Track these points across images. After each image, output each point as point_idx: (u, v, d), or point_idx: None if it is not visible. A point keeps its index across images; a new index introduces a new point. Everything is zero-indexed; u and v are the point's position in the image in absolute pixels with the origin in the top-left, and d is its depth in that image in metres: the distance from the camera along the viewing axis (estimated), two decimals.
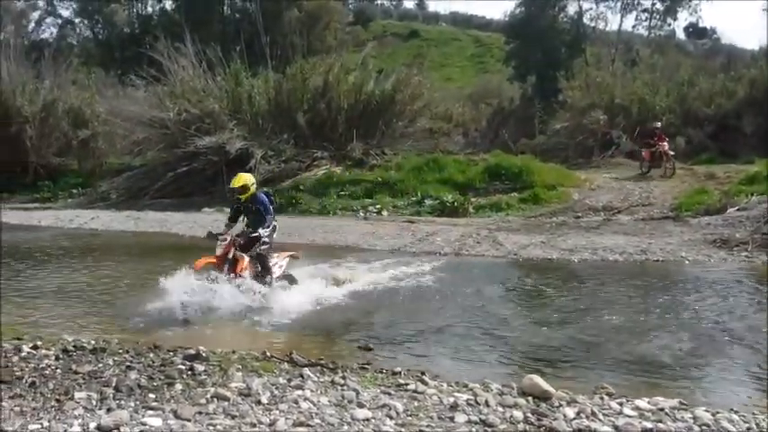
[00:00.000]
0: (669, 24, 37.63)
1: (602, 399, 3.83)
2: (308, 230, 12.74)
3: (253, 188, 6.70)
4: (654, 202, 14.28)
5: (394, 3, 62.97)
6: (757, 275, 8.30)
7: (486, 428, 3.30)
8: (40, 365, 4.00)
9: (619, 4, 35.23)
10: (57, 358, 4.19)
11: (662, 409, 3.60)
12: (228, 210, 16.09)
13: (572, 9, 35.26)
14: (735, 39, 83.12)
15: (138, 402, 3.42)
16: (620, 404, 3.69)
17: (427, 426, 3.29)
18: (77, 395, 3.48)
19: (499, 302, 7.20)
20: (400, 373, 4.25)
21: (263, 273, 6.66)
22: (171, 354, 4.39)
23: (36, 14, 42.21)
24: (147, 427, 3.12)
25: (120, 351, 4.44)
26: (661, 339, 5.60)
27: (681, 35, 44.05)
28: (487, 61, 46.38)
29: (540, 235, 11.47)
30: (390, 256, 10.07)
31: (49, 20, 42.81)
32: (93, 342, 4.68)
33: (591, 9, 36.15)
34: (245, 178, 6.70)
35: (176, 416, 3.23)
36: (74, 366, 3.98)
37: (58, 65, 24.71)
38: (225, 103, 19.32)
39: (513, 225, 12.90)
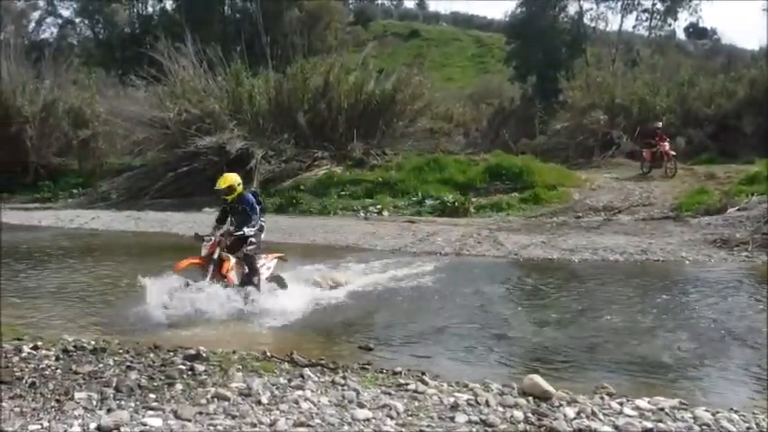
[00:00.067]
0: (669, 25, 37.63)
1: (602, 399, 3.83)
2: (308, 230, 12.75)
3: (239, 188, 6.60)
4: (654, 202, 14.28)
5: (394, 2, 63.02)
6: (757, 275, 8.30)
7: (487, 428, 3.30)
8: (41, 366, 4.00)
9: (619, 4, 35.23)
10: (57, 358, 4.19)
11: (662, 409, 3.60)
12: None
13: (572, 9, 35.27)
14: (735, 39, 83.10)
15: (138, 402, 3.42)
16: (621, 404, 3.69)
17: (428, 426, 3.28)
18: (77, 395, 3.48)
19: (500, 302, 7.20)
20: (401, 373, 4.24)
21: (250, 274, 6.54)
22: (171, 354, 4.39)
23: (36, 14, 42.28)
24: (148, 427, 3.12)
25: (121, 351, 4.44)
26: (661, 339, 5.60)
27: (681, 35, 44.06)
28: (488, 61, 46.36)
29: (541, 235, 11.47)
30: (391, 256, 10.08)
31: (49, 20, 42.87)
32: (93, 342, 4.68)
33: (591, 9, 36.13)
34: (231, 179, 6.59)
35: (177, 416, 3.23)
36: (74, 367, 3.98)
37: (58, 65, 24.72)
38: (225, 103, 19.33)
39: (514, 225, 12.90)
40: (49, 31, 43.20)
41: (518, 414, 3.47)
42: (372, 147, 19.17)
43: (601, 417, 3.48)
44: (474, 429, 3.29)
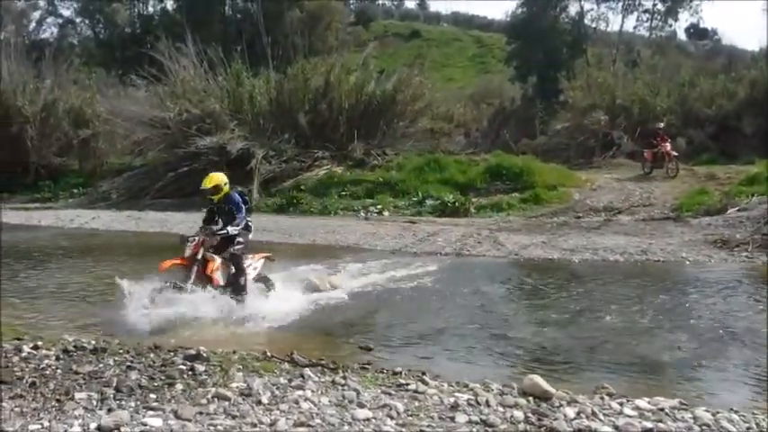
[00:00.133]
0: (670, 25, 37.65)
1: (602, 399, 3.83)
2: (308, 230, 12.75)
3: (226, 188, 6.45)
4: (654, 202, 14.28)
5: (395, 3, 63.06)
6: (758, 276, 8.30)
7: (487, 428, 3.30)
8: (41, 366, 4.00)
9: (620, 4, 35.25)
10: (57, 358, 4.19)
11: (662, 409, 3.60)
12: None
13: (573, 10, 35.29)
14: (735, 40, 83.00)
15: (138, 402, 3.42)
16: (621, 404, 3.69)
17: (428, 426, 3.28)
18: (78, 395, 3.48)
19: (500, 302, 7.20)
20: (401, 373, 4.24)
21: (236, 274, 6.39)
22: (171, 354, 4.39)
23: (37, 14, 42.34)
24: (148, 427, 3.12)
25: (121, 351, 4.44)
26: (661, 339, 5.60)
27: (682, 36, 44.04)
28: (489, 61, 46.37)
29: (541, 235, 11.47)
30: (390, 256, 10.08)
31: (49, 19, 42.93)
32: (93, 342, 4.68)
33: (592, 10, 36.13)
34: (217, 178, 6.43)
35: (177, 416, 3.23)
36: (74, 366, 3.98)
37: (58, 64, 24.73)
38: (226, 104, 19.34)
39: (514, 225, 12.91)
40: (50, 31, 43.33)
41: (518, 414, 3.47)
42: (373, 147, 19.18)
43: (601, 417, 3.48)
44: (474, 429, 3.29)
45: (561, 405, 3.63)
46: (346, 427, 3.24)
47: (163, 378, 3.82)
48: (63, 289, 7.72)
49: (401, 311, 6.70)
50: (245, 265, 6.46)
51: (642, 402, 3.70)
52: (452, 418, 3.39)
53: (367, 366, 4.42)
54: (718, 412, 3.60)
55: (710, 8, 65.33)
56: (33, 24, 42.15)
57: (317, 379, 3.98)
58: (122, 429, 3.08)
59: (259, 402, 3.49)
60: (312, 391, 3.72)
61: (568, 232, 11.72)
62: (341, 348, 5.38)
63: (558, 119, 24.43)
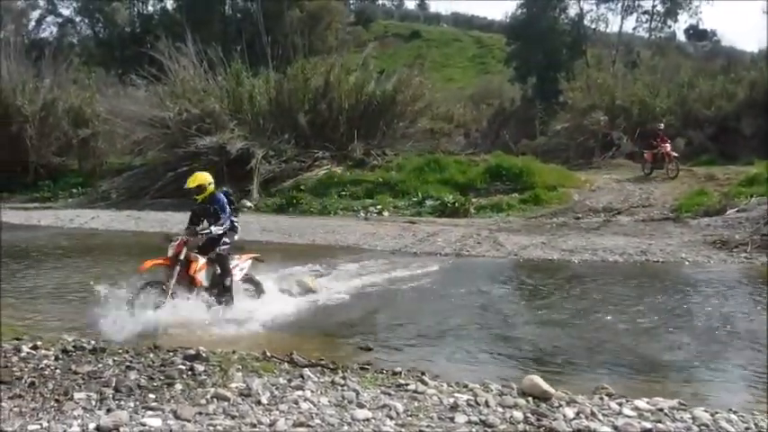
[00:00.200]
0: (669, 26, 37.68)
1: (601, 399, 3.83)
2: (308, 231, 12.75)
3: (210, 188, 6.31)
4: (654, 203, 14.29)
5: (395, 3, 63.09)
6: (757, 276, 8.30)
7: (486, 429, 3.30)
8: (40, 366, 4.00)
9: (619, 5, 35.26)
10: (56, 358, 4.18)
11: (661, 410, 3.60)
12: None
13: (573, 11, 35.29)
14: (735, 41, 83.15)
15: (137, 403, 3.42)
16: (620, 404, 3.69)
17: (427, 426, 3.28)
18: (77, 395, 3.47)
19: (499, 303, 7.20)
20: (400, 373, 4.24)
21: (222, 275, 6.24)
22: (171, 354, 4.38)
23: (36, 13, 42.31)
24: (147, 427, 3.12)
25: (120, 351, 4.44)
26: (660, 340, 5.61)
27: (681, 37, 44.05)
28: (488, 62, 46.37)
29: (541, 236, 11.48)
30: (391, 256, 10.08)
31: (49, 18, 42.88)
32: (92, 342, 4.68)
33: (592, 11, 36.16)
34: (201, 178, 6.30)
35: (176, 416, 3.23)
36: (73, 367, 3.98)
37: (58, 64, 24.71)
38: (226, 103, 19.34)
39: (514, 226, 12.91)
40: (49, 30, 43.28)
41: (517, 414, 3.47)
42: (373, 147, 19.18)
43: (600, 417, 3.48)
44: (473, 430, 3.29)
45: (560, 405, 3.63)
46: (346, 428, 3.23)
47: (162, 378, 3.81)
48: (62, 289, 7.71)
49: (401, 312, 6.70)
50: (230, 266, 6.33)
51: (641, 403, 3.70)
52: (452, 419, 3.39)
53: (366, 367, 4.41)
54: (716, 412, 3.60)
55: (710, 9, 65.30)
56: (33, 23, 42.20)
57: (316, 379, 3.98)
58: (121, 429, 3.07)
59: (258, 402, 3.48)
60: (312, 392, 3.72)
61: (568, 233, 11.72)
62: (340, 349, 5.38)
63: (557, 119, 24.43)
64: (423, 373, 4.26)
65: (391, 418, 3.36)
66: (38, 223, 15.34)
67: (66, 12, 43.77)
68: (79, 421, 3.16)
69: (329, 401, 3.57)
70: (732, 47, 40.52)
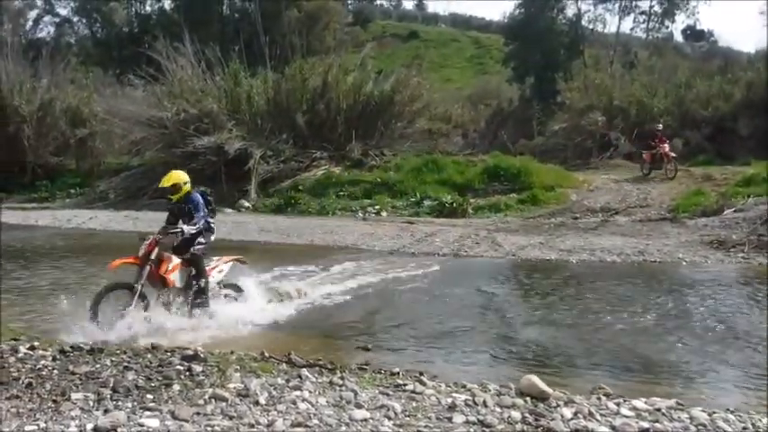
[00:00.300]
0: (667, 27, 37.87)
1: (599, 399, 3.83)
2: (306, 231, 12.75)
3: (186, 187, 6.06)
4: (651, 203, 14.33)
5: (393, 3, 63.15)
6: (754, 276, 8.32)
7: (484, 429, 3.30)
8: (37, 366, 3.98)
9: (617, 6, 35.38)
10: (54, 359, 4.17)
11: (659, 410, 3.61)
12: (228, 210, 15.93)
13: (571, 11, 35.41)
14: (732, 41, 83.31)
15: (135, 403, 3.41)
16: (618, 404, 3.69)
17: (425, 426, 3.29)
18: (74, 396, 3.46)
19: (497, 303, 7.20)
20: (398, 373, 4.24)
21: (196, 276, 6.00)
22: (169, 354, 4.37)
23: (34, 13, 42.27)
24: (145, 428, 3.11)
25: (118, 352, 4.43)
26: (658, 340, 5.62)
27: (678, 37, 44.22)
28: (486, 62, 46.44)
29: (539, 236, 11.49)
30: (389, 256, 10.09)
31: (46, 18, 42.87)
32: (90, 343, 4.67)
33: (589, 11, 36.28)
34: (176, 176, 6.07)
35: (174, 417, 3.22)
36: (71, 367, 3.96)
37: (55, 64, 24.66)
38: (224, 103, 19.32)
39: (512, 226, 12.93)
40: (47, 30, 43.36)
41: (515, 414, 3.48)
42: (371, 147, 19.19)
43: (598, 417, 3.48)
44: (471, 430, 3.29)
45: (558, 405, 3.63)
46: (344, 428, 3.23)
47: (160, 378, 3.80)
48: (60, 289, 7.69)
49: (399, 312, 6.70)
50: (207, 268, 6.13)
51: (639, 403, 3.71)
52: (450, 419, 3.39)
53: (365, 367, 4.41)
54: (714, 412, 3.61)
55: (707, 10, 65.56)
56: (30, 23, 42.13)
57: (314, 379, 3.97)
58: (119, 430, 3.06)
59: (256, 403, 3.48)
60: (310, 392, 3.71)
61: (566, 233, 11.74)
62: (339, 349, 5.38)
63: (555, 120, 24.47)
64: (421, 374, 4.26)
65: (389, 419, 3.36)
66: (35, 224, 15.30)
67: (63, 11, 43.84)
68: (77, 422, 3.15)
69: (327, 402, 3.57)
70: (729, 47, 40.71)
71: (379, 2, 60.83)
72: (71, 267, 9.34)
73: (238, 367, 4.12)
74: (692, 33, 44.22)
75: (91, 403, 3.39)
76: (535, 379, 3.89)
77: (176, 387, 3.67)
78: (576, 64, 31.75)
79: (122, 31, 39.65)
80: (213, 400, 3.47)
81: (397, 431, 3.24)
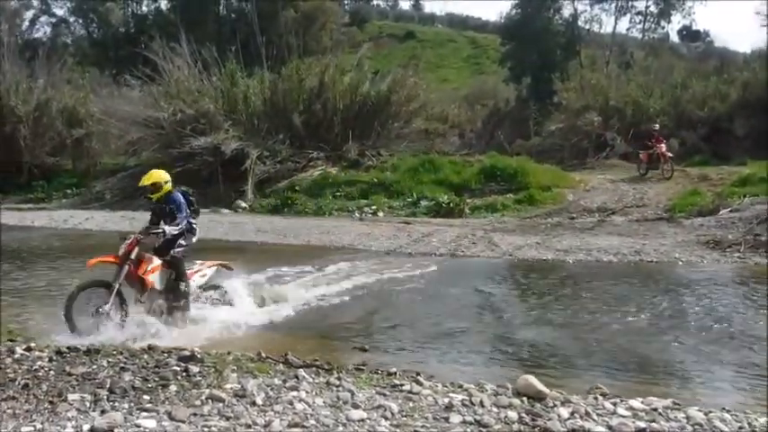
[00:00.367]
0: (663, 27, 37.97)
1: (596, 399, 3.84)
2: (303, 231, 12.74)
3: (166, 186, 5.90)
4: (648, 203, 14.37)
5: (390, 3, 63.18)
6: (750, 276, 8.36)
7: (481, 429, 3.31)
8: (34, 367, 3.98)
9: (613, 6, 35.46)
10: (50, 360, 4.16)
11: (655, 409, 3.62)
12: (224, 210, 15.88)
13: (567, 11, 35.51)
14: (728, 41, 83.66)
15: (132, 404, 3.41)
16: (614, 404, 3.70)
17: (422, 426, 3.29)
18: (71, 397, 3.46)
19: (494, 303, 7.21)
20: (395, 373, 4.25)
21: (176, 278, 5.86)
22: (165, 355, 4.37)
23: (30, 13, 42.09)
24: (142, 428, 3.11)
25: (114, 352, 4.42)
26: (655, 339, 5.64)
27: (674, 38, 44.34)
28: (483, 62, 46.50)
29: (536, 236, 11.51)
30: (386, 256, 10.09)
31: (43, 18, 42.69)
32: (86, 343, 4.66)
33: (586, 11, 36.36)
34: (156, 176, 5.92)
35: (171, 417, 3.22)
36: (67, 368, 3.96)
37: (51, 64, 24.56)
38: (220, 104, 19.28)
39: (509, 226, 12.94)
40: (43, 30, 43.10)
41: (512, 414, 3.48)
42: (367, 147, 19.18)
43: (594, 417, 3.49)
44: (468, 430, 3.30)
45: (555, 405, 3.64)
46: (341, 428, 3.23)
47: (156, 379, 3.80)
48: (57, 290, 7.66)
49: (396, 312, 6.70)
50: (189, 271, 6.02)
51: (635, 402, 3.72)
52: (447, 419, 3.40)
53: (362, 367, 4.42)
54: (710, 412, 3.62)
55: (703, 10, 65.83)
56: (26, 24, 41.97)
57: (311, 380, 3.97)
58: (116, 431, 3.06)
59: (253, 403, 3.48)
60: (307, 392, 3.71)
61: (562, 233, 11.76)
62: (335, 349, 5.38)
63: (551, 120, 24.54)
64: (418, 374, 4.26)
65: (386, 419, 3.36)
66: (32, 224, 15.25)
67: (59, 12, 43.64)
68: (73, 423, 3.14)
69: (324, 402, 3.57)
70: (725, 48, 40.85)
71: (375, 2, 60.95)
72: (67, 268, 9.28)
73: (235, 368, 4.12)
74: (688, 34, 44.36)
75: (87, 404, 3.38)
76: (532, 379, 3.90)
77: (173, 388, 3.67)
78: (572, 64, 31.84)
79: (119, 32, 39.56)
80: (210, 401, 3.47)
81: (394, 431, 3.24)
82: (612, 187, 16.37)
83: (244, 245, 11.72)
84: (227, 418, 3.26)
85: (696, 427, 3.41)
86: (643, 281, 8.24)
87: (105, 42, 39.28)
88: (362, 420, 3.33)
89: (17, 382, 3.66)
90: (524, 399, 3.74)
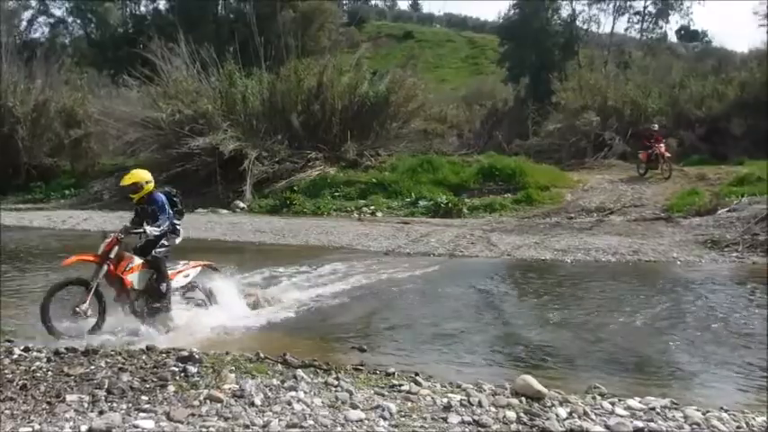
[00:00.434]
0: (661, 27, 38.05)
1: (594, 398, 3.85)
2: (302, 231, 12.75)
3: (148, 186, 5.82)
4: (646, 203, 14.39)
5: (388, 4, 63.21)
6: (748, 276, 8.37)
7: (480, 429, 3.31)
8: (32, 368, 3.98)
9: (611, 6, 35.51)
10: (48, 360, 4.16)
11: (653, 409, 3.62)
12: (223, 211, 15.86)
13: (565, 11, 35.52)
14: (725, 41, 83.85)
15: (130, 405, 3.40)
16: (612, 404, 3.71)
17: (420, 426, 3.29)
18: (69, 398, 3.46)
19: (493, 303, 7.22)
20: (394, 373, 4.25)
21: (157, 279, 5.76)
22: (164, 355, 4.37)
23: (28, 13, 42.00)
24: (140, 429, 3.10)
25: (113, 353, 4.42)
26: (652, 339, 5.64)
27: (672, 38, 44.37)
28: (481, 63, 46.52)
29: (534, 236, 11.52)
30: (384, 257, 10.09)
31: (41, 19, 42.58)
32: (84, 344, 4.66)
33: (584, 11, 36.42)
34: (137, 175, 5.84)
35: (169, 418, 3.22)
36: (65, 368, 3.96)
37: (50, 64, 24.53)
38: (218, 104, 19.28)
39: (507, 226, 12.95)
40: (41, 31, 43.03)
41: (510, 414, 3.49)
42: (366, 148, 19.19)
43: (592, 416, 3.50)
44: (467, 430, 3.30)
45: (553, 405, 3.65)
46: (339, 429, 3.23)
47: (155, 380, 3.80)
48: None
49: (394, 312, 6.70)
50: (171, 271, 5.92)
51: (633, 402, 3.73)
52: (445, 419, 3.40)
53: (360, 367, 4.41)
54: (708, 411, 3.63)
55: (701, 10, 66.00)
56: (24, 24, 41.88)
57: (309, 380, 3.97)
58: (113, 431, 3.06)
59: (252, 404, 3.48)
60: (305, 393, 3.71)
61: (561, 233, 11.77)
62: (334, 350, 5.38)
63: (550, 120, 24.51)
64: (416, 374, 4.26)
65: (385, 419, 3.36)
66: (30, 225, 15.23)
67: (58, 12, 43.58)
68: (71, 423, 3.14)
69: (322, 402, 3.57)
70: (723, 47, 40.84)
71: (374, 2, 60.99)
72: (66, 268, 9.28)
73: (233, 368, 4.12)
74: (686, 33, 44.40)
75: (85, 405, 3.38)
76: (530, 379, 3.90)
77: (171, 388, 3.66)
78: (570, 64, 31.87)
79: (117, 32, 39.50)
80: (208, 402, 3.47)
81: (393, 431, 3.24)
82: (611, 187, 16.40)
83: (241, 245, 11.73)
84: (226, 419, 3.26)
85: (694, 426, 3.42)
86: (641, 280, 8.25)
87: (103, 43, 39.21)
88: (361, 421, 3.33)
89: (15, 383, 3.66)
90: (523, 399, 3.74)
